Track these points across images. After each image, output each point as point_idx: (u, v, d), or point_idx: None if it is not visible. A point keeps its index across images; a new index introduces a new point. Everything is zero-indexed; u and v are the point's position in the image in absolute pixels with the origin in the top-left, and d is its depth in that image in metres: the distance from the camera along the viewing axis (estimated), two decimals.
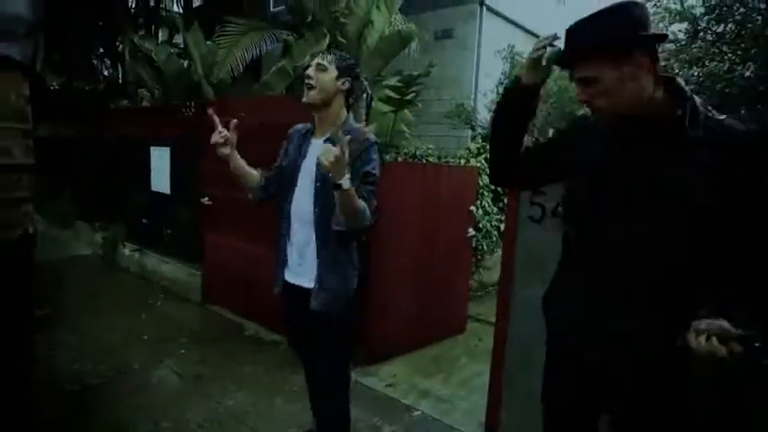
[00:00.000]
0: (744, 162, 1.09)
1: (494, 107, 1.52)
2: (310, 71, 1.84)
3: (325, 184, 1.77)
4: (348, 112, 1.94)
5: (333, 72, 1.84)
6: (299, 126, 2.04)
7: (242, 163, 1.97)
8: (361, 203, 1.69)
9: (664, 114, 1.16)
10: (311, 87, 1.83)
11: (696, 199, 1.10)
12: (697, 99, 1.16)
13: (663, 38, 1.19)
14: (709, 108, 1.16)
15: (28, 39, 1.29)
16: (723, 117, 1.15)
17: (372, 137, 1.88)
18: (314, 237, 1.85)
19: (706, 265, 1.16)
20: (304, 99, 1.86)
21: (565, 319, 1.38)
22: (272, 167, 2.06)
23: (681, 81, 1.19)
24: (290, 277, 1.96)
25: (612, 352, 1.26)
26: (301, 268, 1.91)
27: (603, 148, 1.27)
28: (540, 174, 1.50)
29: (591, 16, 1.17)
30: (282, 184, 1.97)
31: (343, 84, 1.86)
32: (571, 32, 1.20)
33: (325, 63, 1.84)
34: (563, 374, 1.44)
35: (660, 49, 1.18)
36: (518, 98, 1.40)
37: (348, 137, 1.57)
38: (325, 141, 1.81)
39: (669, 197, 1.14)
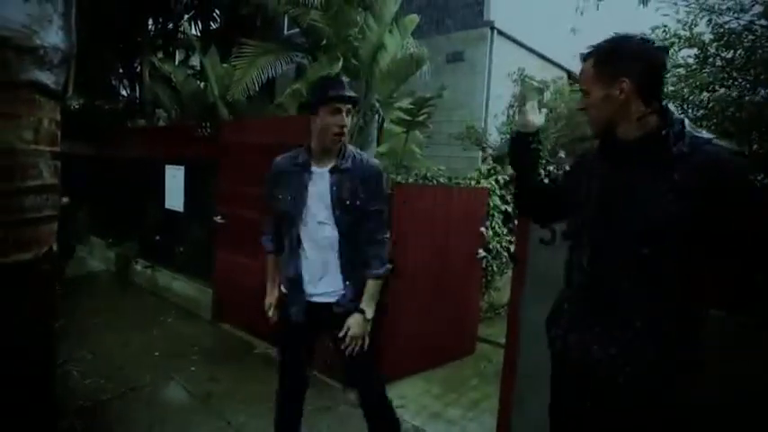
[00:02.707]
0: (724, 176, 1.18)
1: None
2: (346, 120, 1.89)
3: (343, 212, 1.90)
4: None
5: (352, 113, 1.95)
6: (284, 159, 2.06)
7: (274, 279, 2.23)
8: (379, 283, 1.95)
9: (653, 136, 1.27)
10: (340, 137, 1.90)
11: (675, 209, 1.19)
12: (686, 122, 1.28)
13: (653, 72, 1.29)
14: (699, 130, 1.28)
15: (61, 67, 1.37)
16: (711, 137, 1.26)
17: (379, 165, 2.01)
18: (335, 258, 1.95)
19: (699, 279, 1.24)
20: (332, 146, 1.93)
21: (564, 337, 1.42)
22: (272, 214, 2.15)
23: (671, 108, 1.32)
24: (309, 297, 2.02)
25: (612, 367, 1.29)
26: (320, 287, 1.99)
27: (598, 174, 1.38)
28: (549, 210, 1.66)
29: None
30: (285, 216, 2.04)
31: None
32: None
33: (351, 108, 1.93)
34: (567, 392, 1.48)
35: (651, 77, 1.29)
36: (521, 142, 1.65)
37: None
38: (330, 171, 1.93)
39: (650, 211, 1.22)
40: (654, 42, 1.30)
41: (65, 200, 4.26)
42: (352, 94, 1.92)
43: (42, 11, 1.24)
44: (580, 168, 1.51)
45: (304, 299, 2.02)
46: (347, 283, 1.96)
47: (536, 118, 1.63)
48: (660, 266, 1.22)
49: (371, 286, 1.93)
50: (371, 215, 1.94)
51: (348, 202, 1.90)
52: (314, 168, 1.96)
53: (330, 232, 1.93)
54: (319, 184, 1.94)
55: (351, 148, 2.00)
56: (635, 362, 1.26)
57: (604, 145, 1.40)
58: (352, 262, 1.96)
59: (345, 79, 2.00)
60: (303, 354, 2.14)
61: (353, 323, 1.89)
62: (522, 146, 1.65)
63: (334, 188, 1.92)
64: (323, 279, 1.98)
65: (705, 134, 1.26)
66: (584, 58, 1.35)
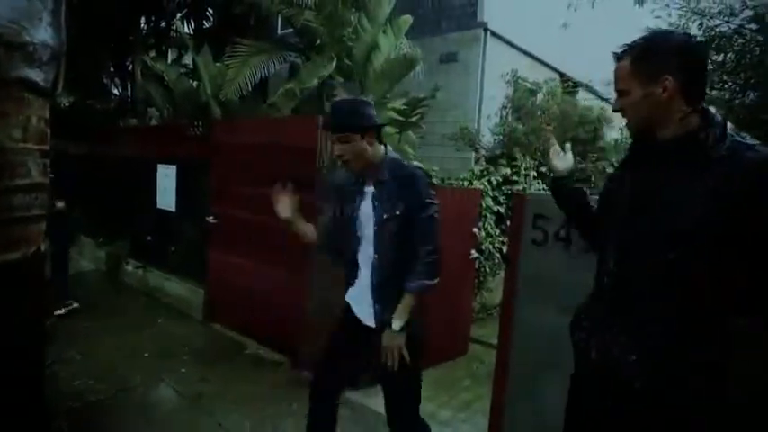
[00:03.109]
0: (759, 182, 1.12)
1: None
2: (336, 149, 1.87)
3: (381, 229, 1.87)
4: (381, 143, 1.95)
5: (356, 138, 1.84)
6: (346, 176, 2.03)
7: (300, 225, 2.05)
8: (412, 297, 1.84)
9: (692, 136, 1.22)
10: (347, 162, 1.87)
11: (711, 212, 1.14)
12: (729, 125, 1.22)
13: (697, 69, 1.24)
14: (743, 134, 1.22)
15: (51, 64, 1.35)
16: (756, 142, 1.19)
17: (415, 168, 1.91)
18: (370, 277, 1.92)
19: (722, 283, 1.19)
20: (347, 170, 1.93)
21: (587, 340, 1.41)
22: (325, 220, 2.09)
23: (712, 110, 1.27)
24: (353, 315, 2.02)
25: (630, 370, 1.27)
26: (363, 308, 1.98)
27: (630, 175, 1.36)
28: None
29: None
30: (340, 232, 2.02)
31: (369, 139, 1.86)
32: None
33: (347, 134, 1.84)
34: (589, 393, 1.45)
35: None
36: (557, 186, 1.68)
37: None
38: (376, 185, 1.89)
39: (685, 212, 1.18)
40: (696, 38, 1.27)
41: (60, 204, 4.21)
42: (340, 121, 1.86)
43: (32, 7, 1.23)
44: (615, 174, 1.48)
45: (350, 315, 2.03)
46: (376, 306, 1.92)
47: (561, 162, 1.64)
48: (689, 268, 1.19)
49: (404, 299, 1.84)
50: (416, 223, 1.85)
51: (386, 216, 1.85)
52: (365, 188, 1.94)
53: (371, 251, 1.90)
54: (367, 202, 1.92)
55: (391, 157, 1.94)
56: (654, 364, 1.23)
57: (638, 146, 1.36)
58: (384, 282, 1.90)
59: (344, 97, 1.92)
60: (344, 361, 2.11)
61: (383, 336, 1.85)
62: (560, 190, 1.66)
63: (376, 203, 1.88)
64: (365, 299, 1.96)
65: (749, 139, 1.20)
66: (619, 57, 1.29)
